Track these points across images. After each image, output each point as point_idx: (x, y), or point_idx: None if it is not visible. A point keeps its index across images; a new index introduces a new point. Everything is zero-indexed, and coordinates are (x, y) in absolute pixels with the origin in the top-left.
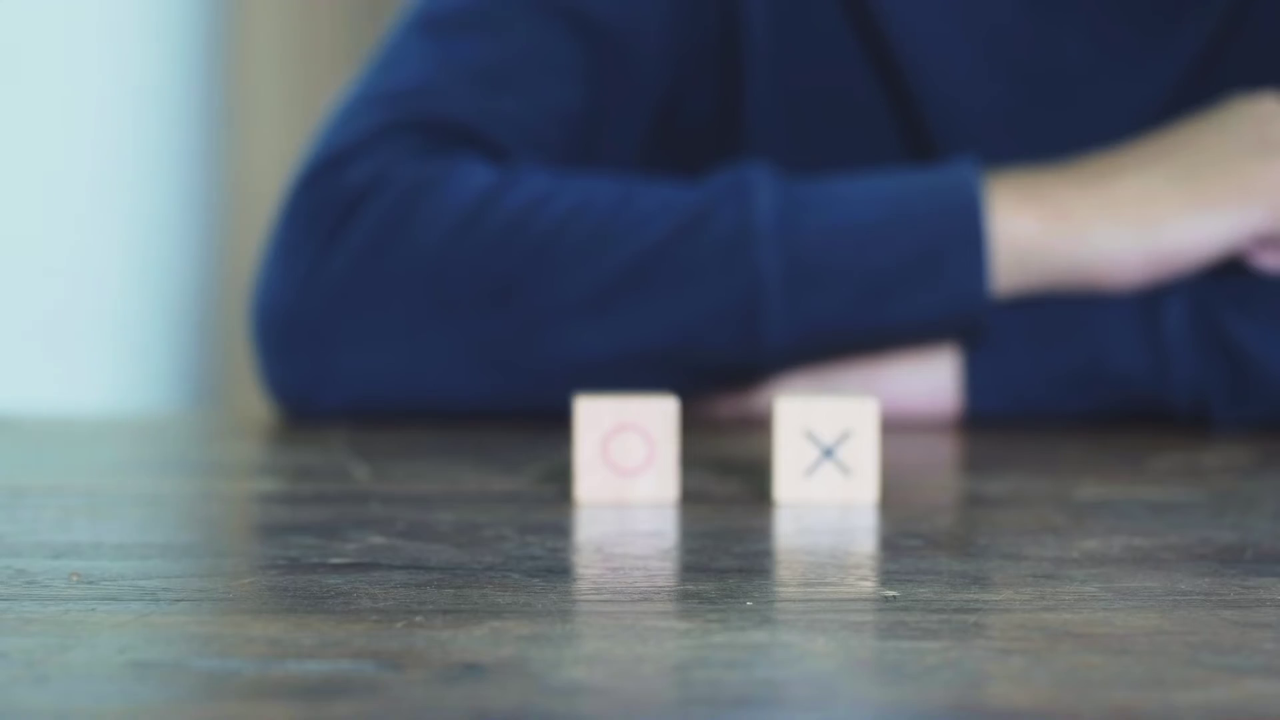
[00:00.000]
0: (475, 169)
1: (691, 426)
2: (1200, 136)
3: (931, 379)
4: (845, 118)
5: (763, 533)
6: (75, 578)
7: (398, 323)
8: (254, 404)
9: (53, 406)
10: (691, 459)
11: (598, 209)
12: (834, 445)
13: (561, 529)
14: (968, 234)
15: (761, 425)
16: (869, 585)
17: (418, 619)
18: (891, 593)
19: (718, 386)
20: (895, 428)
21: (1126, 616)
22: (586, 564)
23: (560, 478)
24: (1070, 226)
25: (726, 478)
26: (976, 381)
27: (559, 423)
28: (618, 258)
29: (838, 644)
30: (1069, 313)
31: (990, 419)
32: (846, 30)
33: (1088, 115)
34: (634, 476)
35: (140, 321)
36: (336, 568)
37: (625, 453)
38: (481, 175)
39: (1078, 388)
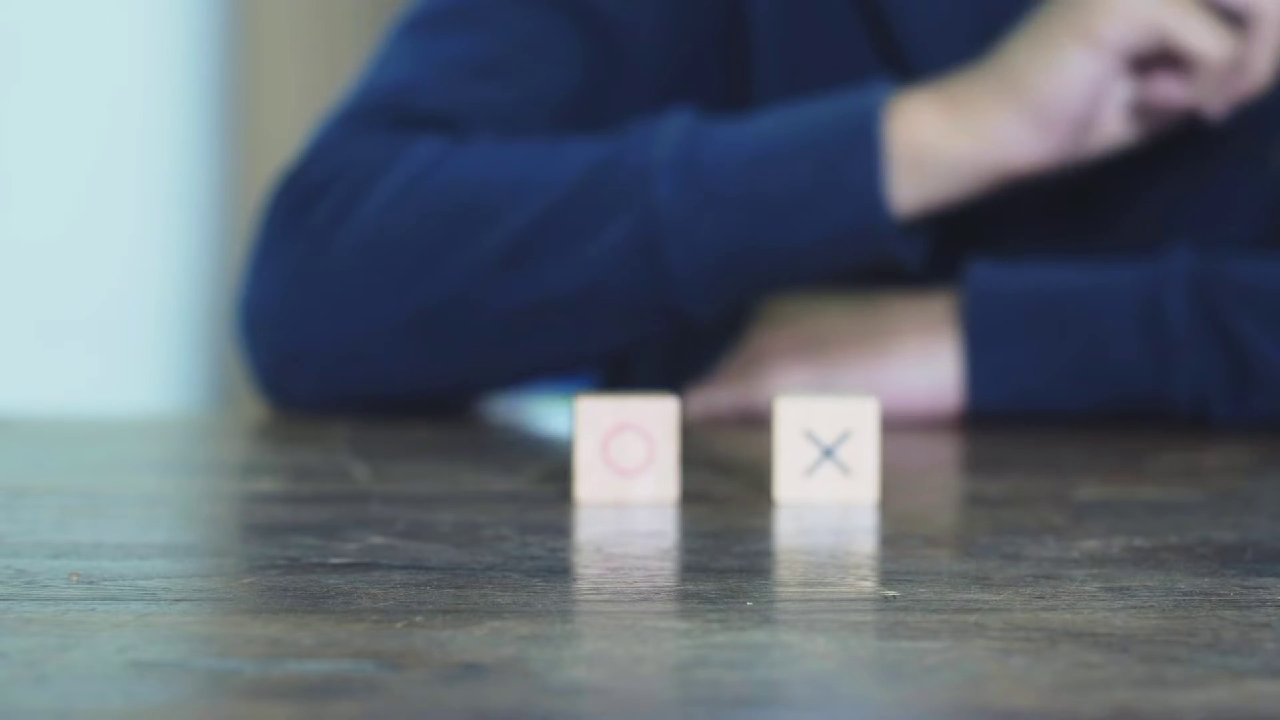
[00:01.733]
0: (425, 145)
1: (692, 426)
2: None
3: (933, 374)
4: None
5: (763, 533)
6: (75, 578)
7: (349, 298)
8: (255, 404)
9: (53, 406)
10: (691, 459)
11: (521, 165)
12: (834, 445)
13: (561, 529)
14: (861, 144)
15: (761, 425)
16: (869, 585)
17: (418, 619)
18: (891, 593)
19: (649, 332)
20: (897, 424)
21: (1126, 616)
22: (586, 564)
23: (560, 478)
24: (966, 114)
25: (726, 478)
26: (978, 376)
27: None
28: (530, 210)
29: (838, 644)
30: (1071, 307)
31: (992, 415)
32: (852, 18)
33: None
34: (634, 476)
35: (141, 322)
36: (336, 568)
37: (625, 453)
38: (425, 150)
39: (1079, 382)
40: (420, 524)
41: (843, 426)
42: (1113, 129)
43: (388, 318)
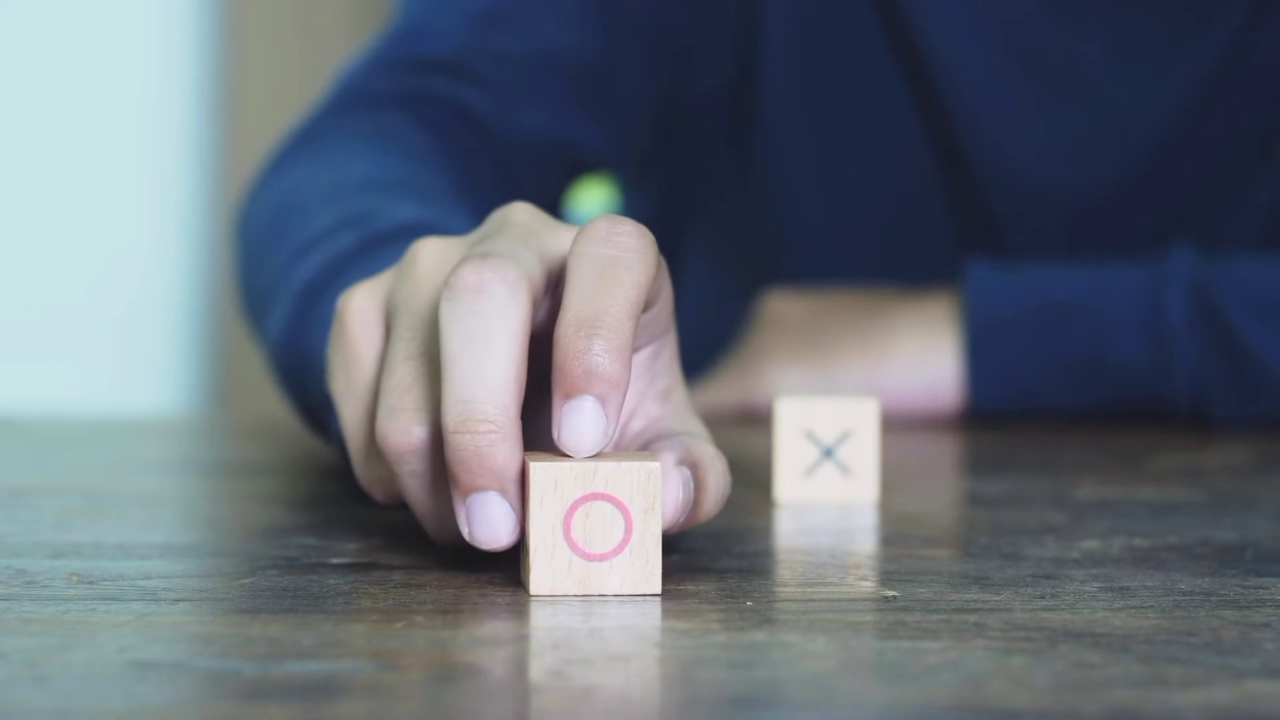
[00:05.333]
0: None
1: None
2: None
3: (932, 374)
4: (864, 105)
5: (763, 533)
6: (75, 578)
7: (243, 251)
8: (255, 404)
9: (53, 406)
10: None
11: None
12: (834, 445)
13: None
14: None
15: (761, 425)
16: (869, 585)
17: (418, 619)
18: (891, 593)
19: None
20: (897, 424)
21: (1126, 616)
22: None
23: None
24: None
25: None
26: (978, 375)
27: None
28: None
29: (838, 644)
30: (1071, 306)
31: (992, 414)
32: (867, 20)
33: (1110, 113)
34: (604, 562)
35: (141, 322)
36: (336, 568)
37: (592, 532)
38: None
39: (1079, 382)
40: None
41: (843, 426)
42: None
43: (259, 281)
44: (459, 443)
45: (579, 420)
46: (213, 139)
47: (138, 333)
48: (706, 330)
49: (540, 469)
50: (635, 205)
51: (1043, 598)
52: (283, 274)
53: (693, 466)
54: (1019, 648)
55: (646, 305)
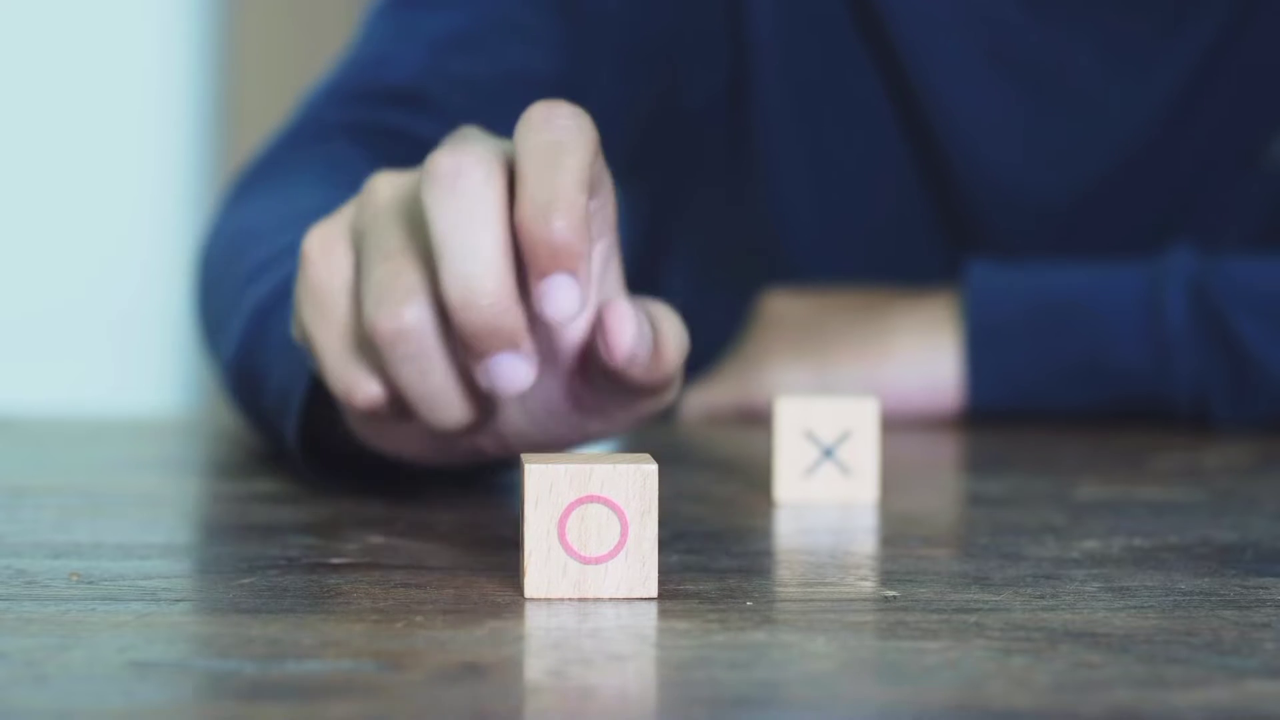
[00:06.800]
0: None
1: (692, 425)
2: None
3: (932, 374)
4: (849, 110)
5: (763, 533)
6: (75, 578)
7: (195, 293)
8: None
9: (53, 406)
10: (692, 459)
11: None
12: (834, 445)
13: None
14: None
15: (761, 425)
16: (869, 585)
17: (418, 619)
18: (891, 593)
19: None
20: (896, 424)
21: (1126, 616)
22: None
23: None
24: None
25: (726, 478)
26: (978, 375)
27: None
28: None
29: (838, 644)
30: (1070, 306)
31: (991, 414)
32: (851, 28)
33: (1094, 117)
34: (600, 566)
35: (141, 322)
36: (336, 568)
37: (588, 535)
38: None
39: (1079, 382)
40: (420, 524)
41: (843, 426)
42: None
43: (201, 322)
44: (466, 319)
45: (558, 294)
46: (212, 139)
47: (138, 333)
48: (695, 334)
49: (536, 471)
50: (625, 212)
51: (1043, 598)
52: (235, 299)
53: (649, 316)
54: (1019, 648)
55: (592, 188)
